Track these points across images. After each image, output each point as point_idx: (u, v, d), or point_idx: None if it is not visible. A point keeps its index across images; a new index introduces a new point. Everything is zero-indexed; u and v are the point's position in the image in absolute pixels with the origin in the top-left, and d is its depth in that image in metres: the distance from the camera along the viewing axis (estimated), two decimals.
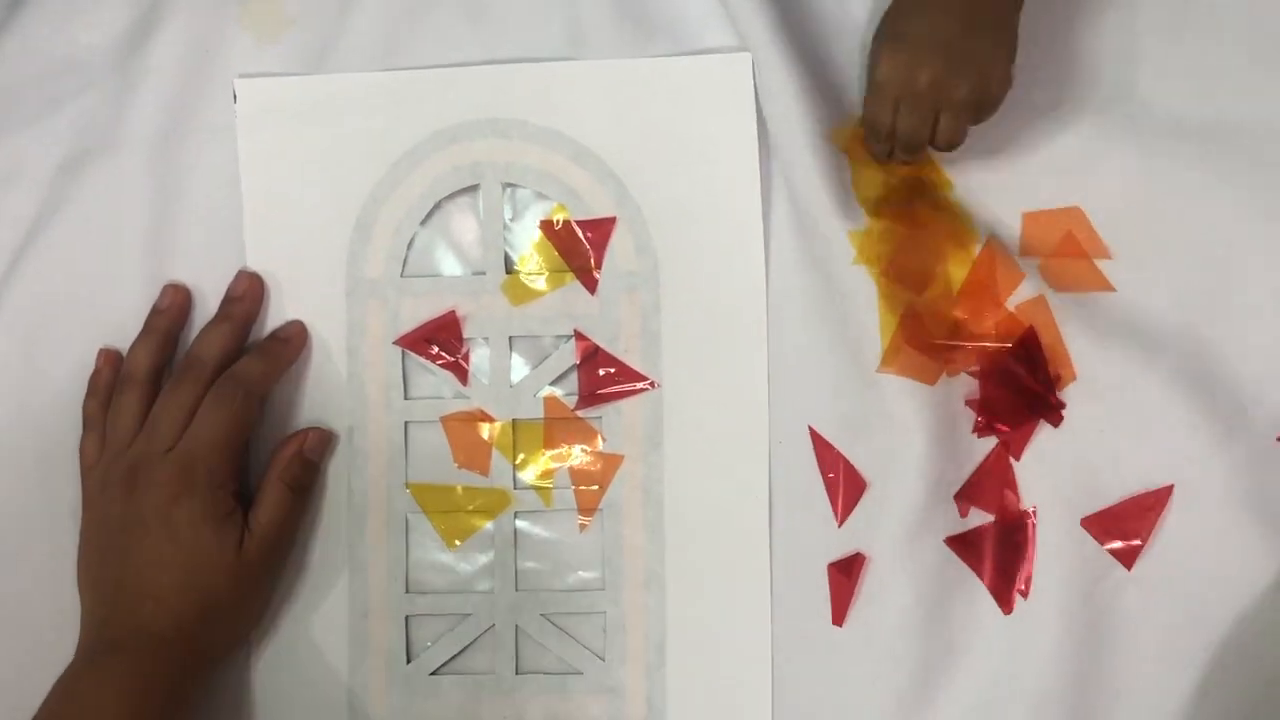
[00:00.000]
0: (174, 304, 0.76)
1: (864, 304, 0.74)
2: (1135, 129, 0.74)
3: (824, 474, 0.74)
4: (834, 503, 0.74)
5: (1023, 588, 0.73)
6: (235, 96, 0.76)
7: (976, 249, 0.74)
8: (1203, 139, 0.74)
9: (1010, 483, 0.73)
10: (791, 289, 0.75)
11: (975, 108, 0.69)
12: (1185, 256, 0.73)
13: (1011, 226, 0.75)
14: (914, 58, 0.68)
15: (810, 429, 0.74)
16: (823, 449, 0.74)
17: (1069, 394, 0.73)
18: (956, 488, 0.73)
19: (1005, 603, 0.73)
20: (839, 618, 0.73)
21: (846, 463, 0.74)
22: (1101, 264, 0.74)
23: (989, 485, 0.73)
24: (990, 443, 0.74)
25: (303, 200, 0.76)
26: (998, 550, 0.73)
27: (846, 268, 0.74)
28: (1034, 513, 0.73)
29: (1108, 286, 0.74)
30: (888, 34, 0.70)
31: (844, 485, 0.74)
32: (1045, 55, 0.74)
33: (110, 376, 0.76)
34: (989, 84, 0.69)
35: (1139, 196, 0.74)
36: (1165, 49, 0.74)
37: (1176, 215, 0.74)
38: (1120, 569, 0.72)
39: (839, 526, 0.74)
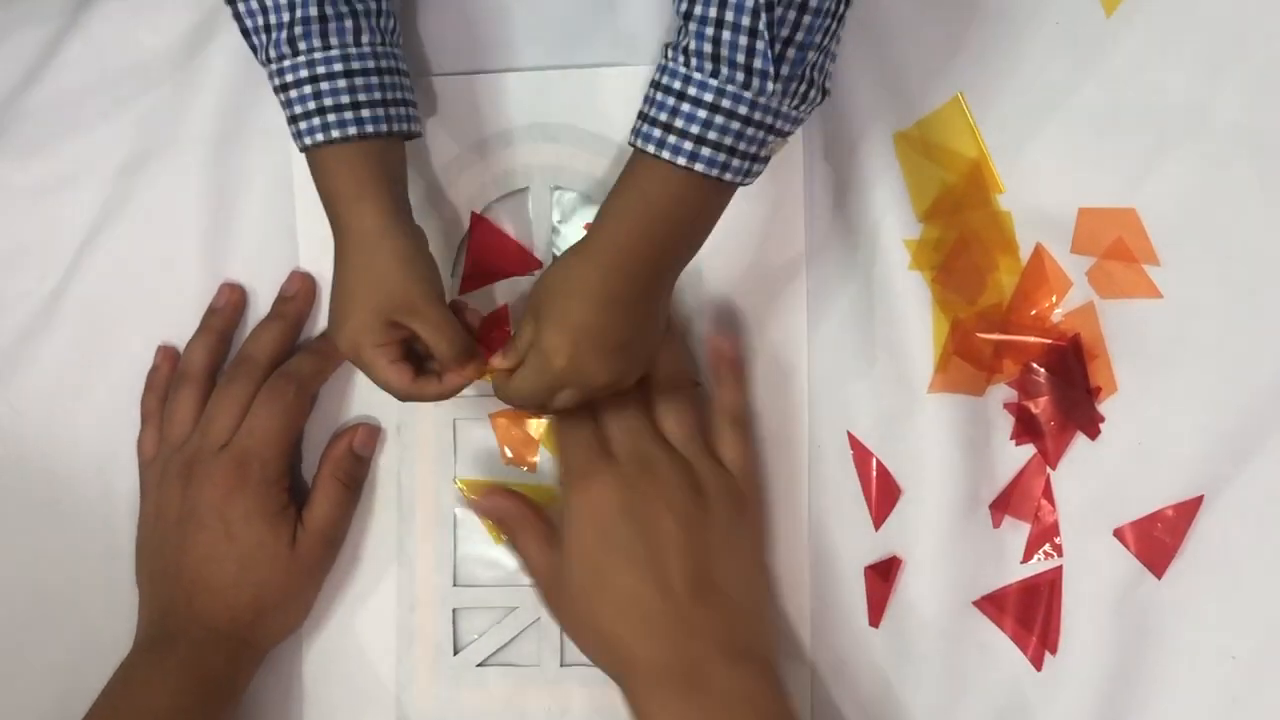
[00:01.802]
0: (229, 303, 0.78)
1: (916, 310, 0.75)
2: (1195, 136, 0.73)
3: (861, 479, 0.75)
4: (870, 507, 0.75)
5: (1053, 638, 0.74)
6: None
7: (1024, 255, 0.75)
8: (1260, 150, 0.73)
9: (1046, 493, 0.74)
10: (840, 294, 0.76)
11: (609, 390, 0.70)
12: (1233, 266, 0.73)
13: (1065, 223, 0.74)
14: (606, 356, 0.68)
15: (849, 434, 0.75)
16: (860, 454, 0.75)
17: (1109, 405, 0.74)
18: (993, 495, 0.74)
19: None
20: (875, 619, 0.75)
21: (883, 468, 0.75)
22: (1150, 269, 0.74)
23: (1024, 495, 0.74)
24: (1027, 451, 0.74)
25: None
26: (1024, 611, 0.74)
27: (902, 273, 0.75)
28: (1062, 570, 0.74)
29: (1155, 293, 0.74)
30: (561, 322, 0.67)
31: (880, 491, 0.75)
32: (1107, 61, 0.74)
33: (168, 373, 0.78)
34: (633, 372, 0.70)
35: (1193, 203, 0.73)
36: (1228, 58, 0.73)
37: (1228, 224, 0.73)
38: (1151, 578, 0.73)
39: (876, 531, 0.75)
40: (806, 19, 0.62)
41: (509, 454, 0.78)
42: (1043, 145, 0.74)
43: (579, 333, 0.66)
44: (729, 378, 0.74)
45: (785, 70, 0.62)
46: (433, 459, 0.78)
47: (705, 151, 0.63)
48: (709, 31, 0.62)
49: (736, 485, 0.72)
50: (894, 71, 0.75)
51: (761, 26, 0.61)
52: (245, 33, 0.69)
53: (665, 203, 0.65)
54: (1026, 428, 0.74)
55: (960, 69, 0.75)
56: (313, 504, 0.76)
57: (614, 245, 0.66)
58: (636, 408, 0.72)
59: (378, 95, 0.69)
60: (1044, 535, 0.74)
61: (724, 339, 0.75)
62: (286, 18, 0.67)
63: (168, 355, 0.79)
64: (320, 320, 0.78)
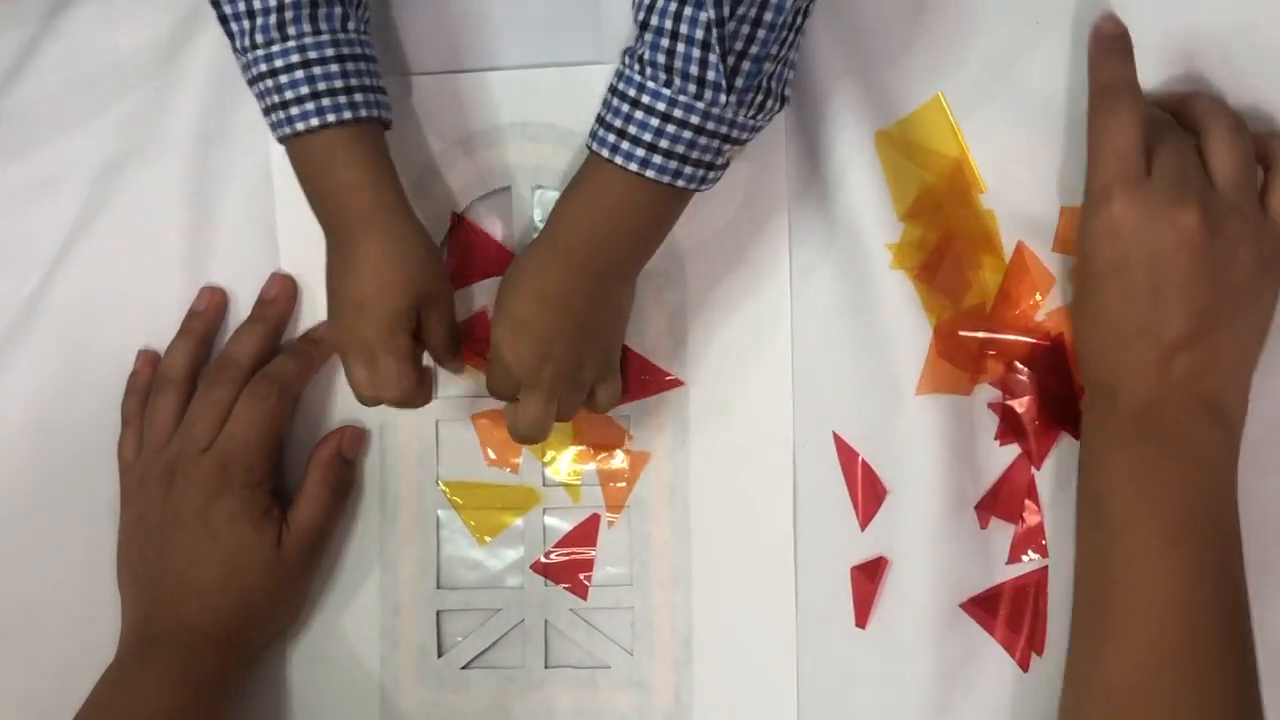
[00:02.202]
0: (210, 306, 0.78)
1: (898, 309, 0.74)
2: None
3: (846, 479, 0.75)
4: (856, 507, 0.75)
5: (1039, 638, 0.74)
6: None
7: (1008, 254, 0.74)
8: None
9: (1031, 493, 0.74)
10: (824, 294, 0.75)
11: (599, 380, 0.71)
12: None
13: (1047, 222, 0.74)
14: (538, 348, 0.68)
15: (834, 434, 0.75)
16: (845, 454, 0.75)
17: None
18: (978, 495, 0.74)
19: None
20: (862, 619, 0.74)
21: (868, 468, 0.74)
22: None
23: (1010, 495, 0.74)
24: (1012, 451, 0.74)
25: None
26: (1010, 613, 0.74)
27: (885, 272, 0.74)
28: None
29: None
30: (502, 314, 0.69)
31: (865, 491, 0.74)
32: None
33: (148, 376, 0.78)
34: (612, 361, 0.72)
35: None
36: (1209, 54, 0.73)
37: None
38: None
39: (861, 531, 0.74)
40: (761, 33, 0.63)
41: (492, 455, 0.77)
42: (1024, 144, 0.74)
43: (518, 326, 0.68)
44: None
45: (740, 82, 0.63)
46: (415, 460, 0.77)
47: (656, 159, 0.64)
48: (663, 43, 0.63)
49: (1276, 239, 0.68)
50: (875, 70, 0.75)
51: (714, 40, 0.62)
52: (224, 19, 0.68)
53: (615, 205, 0.66)
54: (1011, 427, 0.74)
55: (940, 68, 0.75)
56: (298, 507, 0.75)
57: (559, 242, 0.68)
58: (1188, 135, 0.69)
59: (367, 81, 0.69)
60: (1029, 536, 0.74)
61: None
62: (274, 2, 0.67)
63: (148, 359, 0.78)
64: (303, 322, 0.78)
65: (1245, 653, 0.65)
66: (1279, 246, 0.68)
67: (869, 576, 0.74)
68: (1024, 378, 0.74)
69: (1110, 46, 0.70)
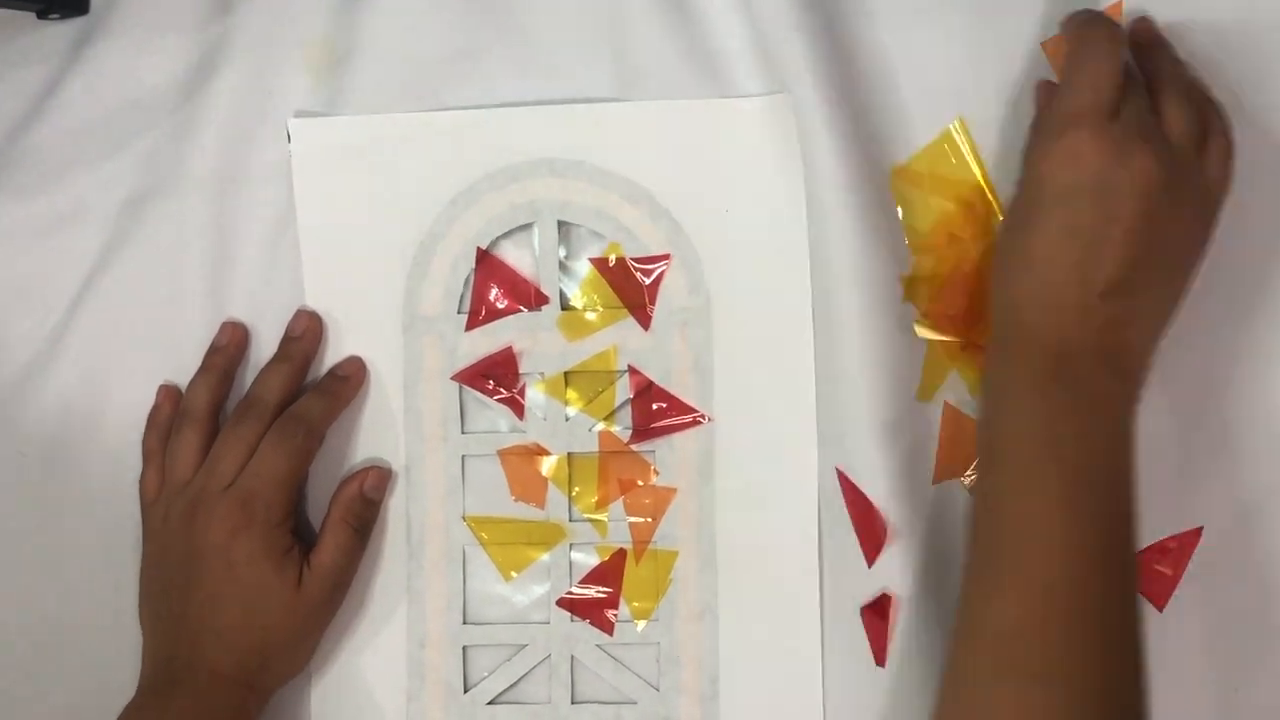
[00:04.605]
0: (231, 341, 0.77)
1: (911, 343, 0.75)
2: None
3: (851, 516, 0.74)
4: (861, 545, 0.75)
5: None
6: (289, 136, 0.77)
7: None
8: (1255, 173, 0.73)
9: None
10: (838, 328, 0.75)
11: None
12: (1229, 289, 0.74)
13: None
14: None
15: (837, 470, 0.75)
16: (850, 492, 0.75)
17: None
18: None
19: None
20: (880, 658, 0.74)
21: (872, 506, 0.74)
22: None
23: None
24: None
25: (359, 238, 0.77)
26: None
27: (896, 306, 0.75)
28: None
29: None
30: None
31: (871, 528, 0.74)
32: None
33: (170, 412, 0.77)
34: None
35: None
36: (1224, 81, 0.73)
37: (1224, 245, 0.72)
38: (1151, 610, 0.74)
39: (869, 568, 0.74)
40: None
41: (518, 491, 0.77)
42: None
43: None
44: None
45: None
46: (442, 496, 0.77)
47: None
48: None
49: (1214, 202, 0.69)
50: (892, 102, 0.76)
51: None
52: None
53: None
54: None
55: (959, 95, 0.75)
56: (321, 547, 0.75)
57: None
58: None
59: None
60: None
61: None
62: None
63: (170, 394, 0.78)
64: (328, 358, 0.78)
65: (1133, 609, 0.65)
66: (1211, 208, 0.69)
67: (880, 615, 0.74)
68: None
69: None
